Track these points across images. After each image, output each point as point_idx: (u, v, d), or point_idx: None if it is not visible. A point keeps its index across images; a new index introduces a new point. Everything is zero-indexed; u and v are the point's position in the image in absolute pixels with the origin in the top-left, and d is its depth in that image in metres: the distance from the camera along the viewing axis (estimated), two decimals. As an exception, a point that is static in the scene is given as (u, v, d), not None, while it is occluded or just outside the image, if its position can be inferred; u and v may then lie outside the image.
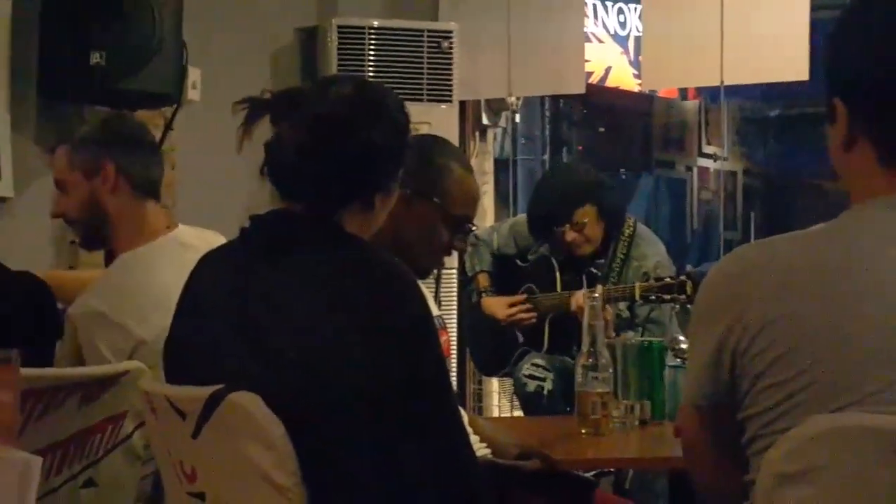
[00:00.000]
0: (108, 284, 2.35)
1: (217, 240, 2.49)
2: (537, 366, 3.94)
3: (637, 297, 3.60)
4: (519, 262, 4.16)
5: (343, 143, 1.76)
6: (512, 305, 4.05)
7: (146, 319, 2.18)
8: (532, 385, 3.91)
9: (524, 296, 4.07)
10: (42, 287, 2.31)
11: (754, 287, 1.46)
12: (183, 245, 2.39)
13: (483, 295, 4.15)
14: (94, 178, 2.40)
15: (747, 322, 1.45)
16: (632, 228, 3.96)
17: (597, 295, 2.59)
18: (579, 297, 3.72)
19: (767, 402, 1.45)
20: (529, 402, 3.95)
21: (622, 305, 3.79)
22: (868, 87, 1.48)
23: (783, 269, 1.46)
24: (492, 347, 4.22)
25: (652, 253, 3.93)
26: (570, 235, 3.86)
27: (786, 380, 1.43)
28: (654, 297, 3.57)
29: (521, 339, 4.08)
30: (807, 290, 1.43)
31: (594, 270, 3.95)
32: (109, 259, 2.54)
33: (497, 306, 4.09)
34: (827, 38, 1.55)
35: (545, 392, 3.88)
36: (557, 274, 4.00)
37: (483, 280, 4.17)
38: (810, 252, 1.47)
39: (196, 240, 2.42)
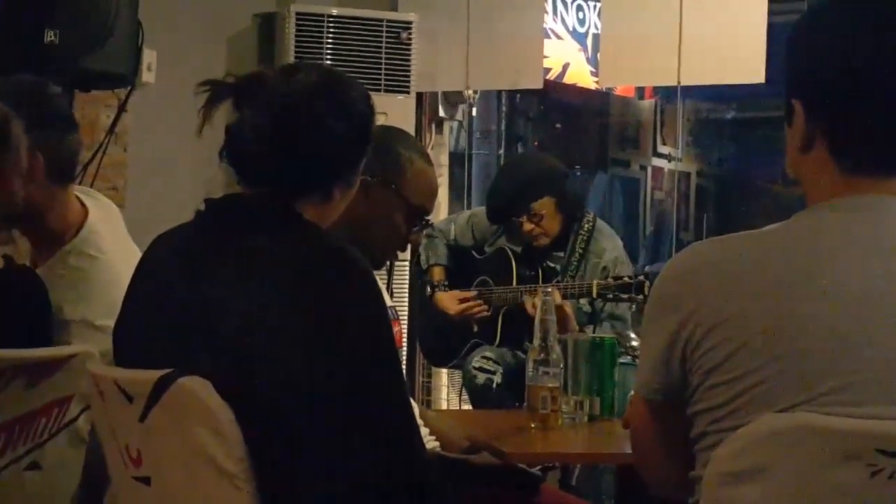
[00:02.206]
0: (72, 284, 2.21)
1: (106, 203, 2.41)
2: (487, 359, 3.95)
3: (594, 294, 3.60)
4: (475, 254, 4.17)
5: (304, 131, 1.75)
6: (464, 301, 4.06)
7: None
8: (481, 378, 3.91)
9: (475, 292, 4.08)
10: (37, 283, 2.16)
11: (707, 284, 1.48)
12: (102, 220, 2.29)
13: (437, 289, 4.15)
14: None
15: (699, 318, 1.46)
16: (591, 223, 3.98)
17: (549, 290, 2.59)
18: (535, 300, 3.72)
19: (716, 398, 1.46)
20: (478, 394, 3.94)
21: (582, 300, 3.80)
22: (825, 89, 1.49)
23: (736, 267, 1.48)
24: (443, 339, 4.22)
25: (610, 248, 3.95)
26: (528, 226, 3.88)
27: (735, 378, 1.44)
28: (611, 296, 3.58)
29: (475, 328, 4.08)
30: (759, 290, 1.44)
31: (551, 264, 3.96)
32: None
33: (449, 301, 4.09)
34: (787, 40, 1.56)
35: (494, 385, 3.88)
36: (514, 266, 4.00)
37: (437, 273, 4.17)
38: (764, 252, 1.48)
39: (100, 211, 2.31)
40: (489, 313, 4.02)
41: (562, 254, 3.96)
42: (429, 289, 4.21)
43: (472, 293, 4.07)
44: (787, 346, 1.42)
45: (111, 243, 2.25)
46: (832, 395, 1.40)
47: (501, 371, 3.91)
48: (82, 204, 2.30)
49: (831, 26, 1.51)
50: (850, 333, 1.40)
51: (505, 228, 4.04)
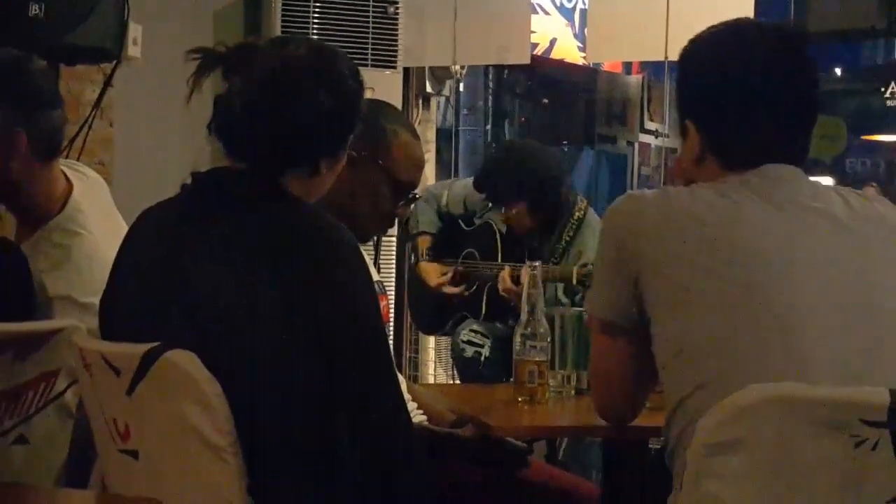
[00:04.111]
0: (56, 261, 2.19)
1: (93, 177, 2.39)
2: (476, 332, 3.99)
3: (574, 281, 3.58)
4: (464, 224, 4.17)
5: (292, 104, 1.74)
6: (445, 275, 4.08)
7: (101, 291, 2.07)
8: (470, 351, 3.96)
9: (458, 266, 4.09)
10: (18, 256, 2.14)
11: (646, 224, 1.70)
12: (86, 195, 2.27)
13: (421, 258, 4.17)
14: None
15: (641, 252, 1.69)
16: (582, 213, 3.92)
17: (537, 264, 2.59)
18: (506, 280, 3.73)
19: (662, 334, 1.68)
20: (467, 367, 3.99)
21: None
22: (713, 112, 1.76)
23: (670, 213, 1.69)
24: (432, 307, 4.25)
25: (593, 246, 3.91)
26: (502, 216, 3.89)
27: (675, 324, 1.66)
28: (590, 285, 3.54)
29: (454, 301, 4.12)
30: (690, 237, 1.65)
31: (536, 244, 3.96)
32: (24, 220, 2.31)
33: (430, 273, 4.12)
34: (677, 69, 1.86)
35: (482, 358, 3.93)
36: (499, 242, 4.01)
37: (423, 242, 4.19)
38: (698, 204, 1.68)
39: (85, 186, 2.29)
40: (466, 295, 4.05)
41: (549, 236, 3.95)
42: (413, 257, 4.23)
43: (452, 268, 4.09)
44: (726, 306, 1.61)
45: (96, 219, 2.24)
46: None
47: (490, 344, 3.95)
48: (68, 179, 2.28)
49: (709, 58, 1.79)
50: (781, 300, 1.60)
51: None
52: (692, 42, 1.84)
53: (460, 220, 4.18)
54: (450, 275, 4.08)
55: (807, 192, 1.71)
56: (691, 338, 1.64)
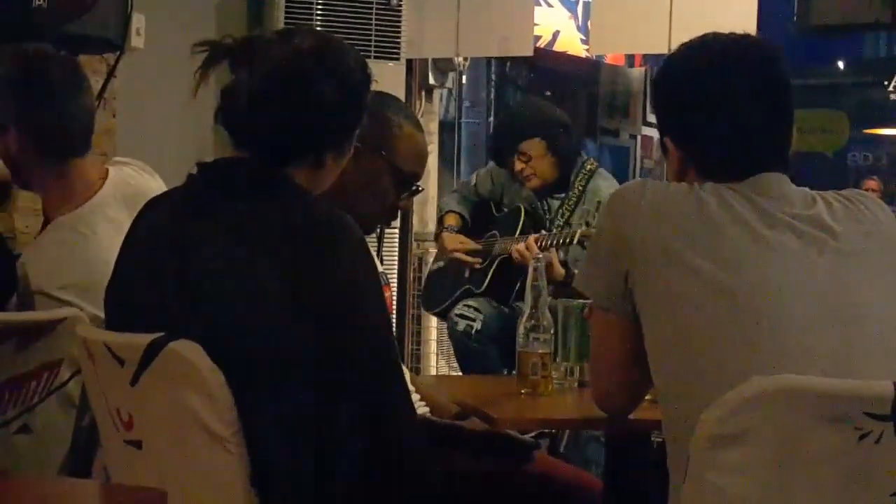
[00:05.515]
0: (60, 263, 2.16)
1: (142, 175, 2.39)
2: (469, 306, 4.10)
3: (576, 240, 3.65)
4: (494, 210, 4.26)
5: (297, 96, 1.74)
6: (463, 244, 4.17)
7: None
8: (462, 324, 4.07)
9: (480, 242, 4.18)
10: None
11: (641, 216, 1.71)
12: (117, 199, 2.25)
13: (445, 230, 4.25)
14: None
15: (633, 242, 1.70)
16: (594, 164, 4.11)
17: (540, 256, 2.59)
18: (521, 245, 3.80)
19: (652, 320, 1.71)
20: (459, 341, 4.11)
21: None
22: (689, 127, 1.80)
23: (663, 207, 1.71)
24: (441, 281, 4.34)
25: (607, 187, 4.01)
26: (518, 165, 4.00)
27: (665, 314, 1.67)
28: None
29: (466, 273, 4.20)
30: (678, 234, 1.67)
31: (550, 219, 4.04)
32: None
33: (449, 240, 4.19)
34: (653, 87, 1.94)
35: (473, 332, 4.03)
36: (521, 222, 4.08)
37: (450, 219, 4.29)
38: (690, 202, 1.70)
39: (120, 188, 2.27)
40: (480, 266, 4.13)
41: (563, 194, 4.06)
42: (437, 228, 4.35)
43: (476, 245, 4.18)
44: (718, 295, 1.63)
45: (115, 223, 2.18)
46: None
47: (482, 319, 4.05)
48: (104, 178, 2.25)
49: (681, 75, 1.82)
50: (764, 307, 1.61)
51: (511, 175, 4.12)
52: (666, 60, 1.88)
53: (492, 204, 4.26)
54: (468, 246, 4.17)
55: (793, 200, 1.72)
56: (676, 336, 1.65)
